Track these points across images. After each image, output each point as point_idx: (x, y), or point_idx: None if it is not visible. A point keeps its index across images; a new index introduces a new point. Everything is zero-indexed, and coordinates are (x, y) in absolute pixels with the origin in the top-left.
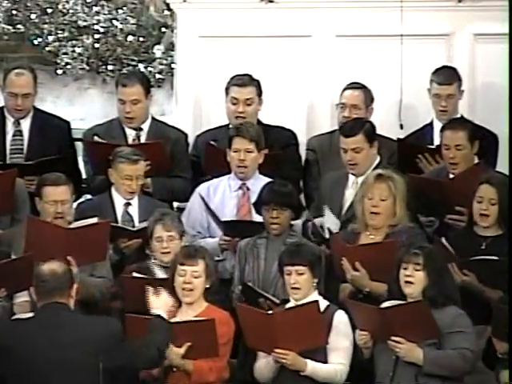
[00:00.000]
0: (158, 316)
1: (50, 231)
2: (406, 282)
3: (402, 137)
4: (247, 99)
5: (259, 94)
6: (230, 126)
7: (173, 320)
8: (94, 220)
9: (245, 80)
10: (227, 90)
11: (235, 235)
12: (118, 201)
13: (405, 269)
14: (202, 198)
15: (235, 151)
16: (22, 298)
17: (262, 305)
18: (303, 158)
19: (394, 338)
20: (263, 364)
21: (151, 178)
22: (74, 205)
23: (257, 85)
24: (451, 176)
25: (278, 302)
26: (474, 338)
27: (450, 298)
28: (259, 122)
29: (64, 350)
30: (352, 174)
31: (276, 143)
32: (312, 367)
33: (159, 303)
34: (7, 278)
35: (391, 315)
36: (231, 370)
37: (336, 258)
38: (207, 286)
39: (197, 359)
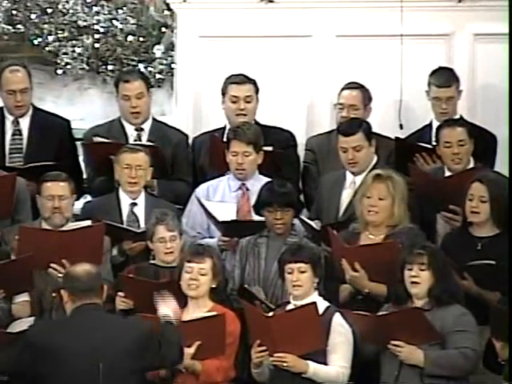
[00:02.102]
0: (167, 321)
1: (42, 237)
2: (412, 282)
3: (401, 137)
4: (247, 96)
5: (256, 91)
6: (228, 127)
7: (182, 319)
8: (88, 223)
9: (242, 78)
10: (224, 89)
11: (234, 235)
12: (124, 201)
13: (409, 269)
14: (199, 200)
15: (233, 154)
16: (21, 298)
17: (257, 307)
18: (303, 158)
19: (393, 342)
20: (254, 372)
21: (157, 180)
22: (81, 204)
23: (254, 83)
24: (448, 174)
25: (273, 307)
26: (477, 337)
27: (454, 296)
28: (257, 123)
29: (102, 351)
30: (352, 172)
31: (275, 144)
32: (314, 369)
33: (167, 309)
34: (5, 279)
35: (389, 322)
36: (237, 369)
37: (336, 258)
38: (213, 286)
39: (204, 359)
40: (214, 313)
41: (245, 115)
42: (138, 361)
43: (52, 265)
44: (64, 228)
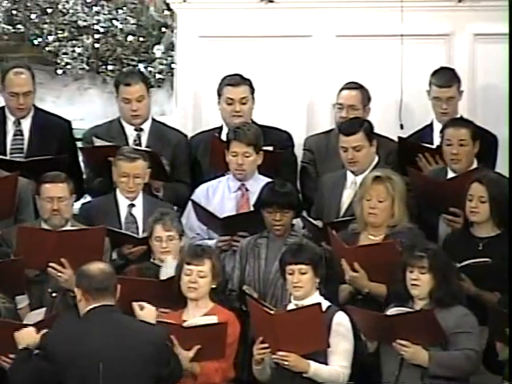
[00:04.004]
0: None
1: (41, 237)
2: (413, 284)
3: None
4: (242, 98)
5: (252, 92)
6: (224, 127)
7: (185, 324)
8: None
9: (237, 79)
10: (220, 91)
11: (234, 231)
12: (122, 202)
13: (411, 272)
14: (194, 202)
15: (233, 155)
16: (25, 302)
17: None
18: (301, 158)
19: (399, 341)
20: (255, 369)
21: (163, 183)
22: (78, 205)
23: (249, 84)
24: (450, 176)
25: (273, 309)
26: (479, 338)
27: (455, 297)
28: (254, 123)
29: (118, 353)
30: (352, 172)
31: (272, 145)
32: (315, 369)
33: (146, 315)
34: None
35: (398, 322)
36: (236, 369)
37: (336, 258)
38: (213, 287)
39: (203, 361)
40: (216, 320)
41: (240, 117)
42: (152, 366)
43: (51, 264)
44: (63, 228)
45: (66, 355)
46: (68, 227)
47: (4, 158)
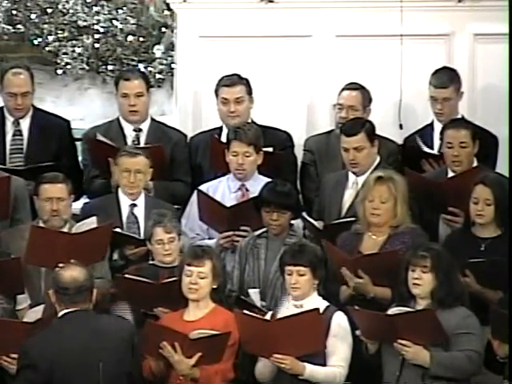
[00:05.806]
0: None
1: (54, 238)
2: (414, 283)
3: (401, 137)
4: (237, 98)
5: (249, 92)
6: (224, 127)
7: (191, 336)
8: (94, 220)
9: (233, 79)
10: (217, 91)
11: (240, 222)
12: (124, 202)
13: (413, 271)
14: (200, 191)
15: (234, 155)
16: (24, 303)
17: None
18: (301, 158)
19: (400, 341)
20: (262, 365)
21: (153, 182)
22: (80, 205)
23: (245, 83)
24: (450, 175)
25: (268, 311)
26: (481, 339)
27: (458, 298)
28: (254, 123)
29: (92, 355)
30: (353, 173)
31: (272, 145)
32: (310, 371)
33: None
34: None
35: (399, 322)
36: (236, 370)
37: (335, 267)
38: (214, 287)
39: (200, 365)
40: (221, 331)
41: (237, 117)
42: (126, 361)
43: (60, 265)
44: (73, 229)
45: (46, 359)
46: (66, 228)
47: (2, 166)
